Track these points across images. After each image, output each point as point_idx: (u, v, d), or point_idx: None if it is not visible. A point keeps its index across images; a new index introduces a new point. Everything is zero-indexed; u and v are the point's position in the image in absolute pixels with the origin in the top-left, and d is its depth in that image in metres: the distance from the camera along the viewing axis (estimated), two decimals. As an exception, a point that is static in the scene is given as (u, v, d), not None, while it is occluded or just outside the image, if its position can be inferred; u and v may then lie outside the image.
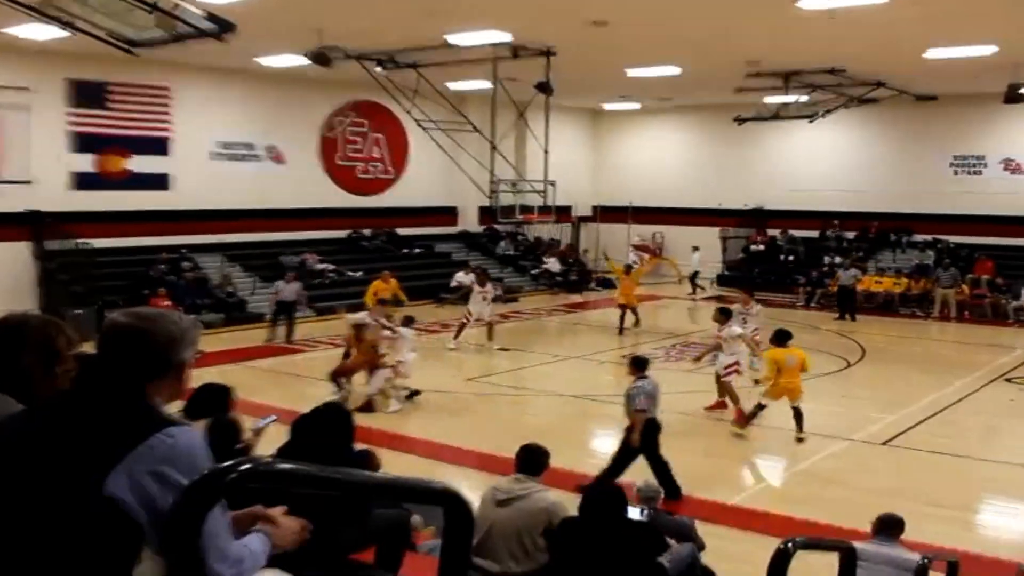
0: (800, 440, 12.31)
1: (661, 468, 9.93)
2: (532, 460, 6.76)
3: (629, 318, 20.92)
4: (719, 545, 8.09)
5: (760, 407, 12.47)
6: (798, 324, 20.67)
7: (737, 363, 13.49)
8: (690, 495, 10.07)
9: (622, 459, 10.05)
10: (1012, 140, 27.60)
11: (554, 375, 16.90)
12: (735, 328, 13.74)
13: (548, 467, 6.82)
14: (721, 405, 13.86)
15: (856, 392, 15.75)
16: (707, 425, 13.40)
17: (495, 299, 20.34)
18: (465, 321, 19.29)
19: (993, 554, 8.76)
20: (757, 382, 13.64)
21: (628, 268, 22.71)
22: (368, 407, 13.44)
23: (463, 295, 23.33)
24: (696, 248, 30.04)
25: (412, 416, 13.85)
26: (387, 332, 13.98)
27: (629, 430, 10.09)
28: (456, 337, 19.20)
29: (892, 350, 20.14)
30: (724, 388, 13.65)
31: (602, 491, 6.09)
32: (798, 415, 12.38)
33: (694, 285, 29.07)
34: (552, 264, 30.10)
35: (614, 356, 18.47)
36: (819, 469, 11.52)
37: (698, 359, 14.53)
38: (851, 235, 29.86)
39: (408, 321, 14.36)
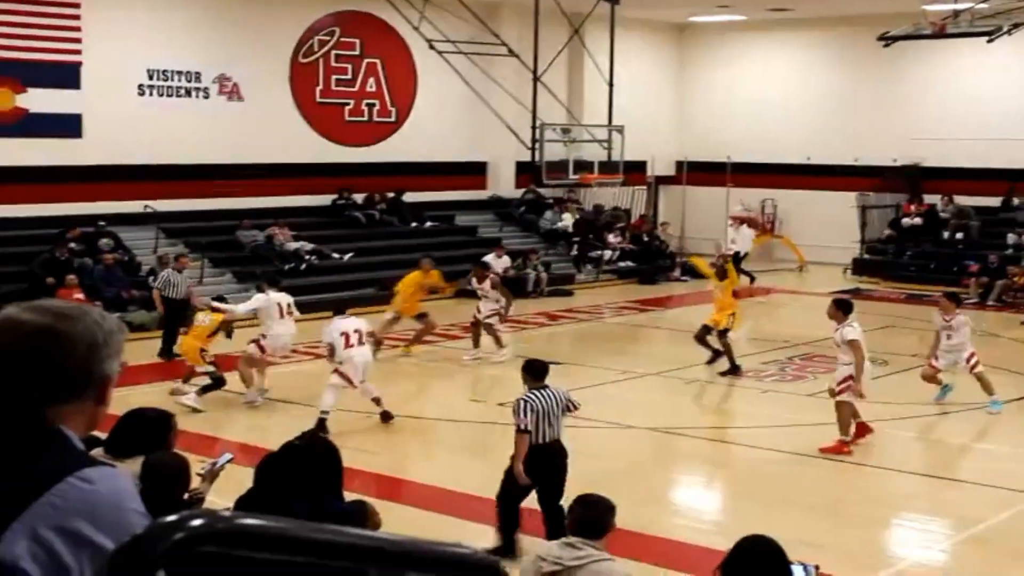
0: None
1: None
2: (591, 517, 6.76)
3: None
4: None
5: None
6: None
7: (850, 377, 13.56)
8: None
9: (506, 501, 10.17)
10: None
11: (621, 399, 16.89)
12: (848, 329, 13.77)
13: (614, 527, 6.82)
14: (864, 429, 13.99)
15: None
16: (838, 472, 13.34)
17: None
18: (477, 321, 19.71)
19: None
20: None
21: (721, 271, 18.99)
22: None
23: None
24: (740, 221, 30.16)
25: (417, 454, 13.86)
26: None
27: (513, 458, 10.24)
28: (476, 346, 19.65)
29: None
30: (838, 410, 13.77)
31: (755, 546, 5.90)
32: None
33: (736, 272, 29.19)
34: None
35: (706, 372, 18.43)
36: (1000, 535, 11.37)
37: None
38: (1046, 204, 29.62)
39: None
